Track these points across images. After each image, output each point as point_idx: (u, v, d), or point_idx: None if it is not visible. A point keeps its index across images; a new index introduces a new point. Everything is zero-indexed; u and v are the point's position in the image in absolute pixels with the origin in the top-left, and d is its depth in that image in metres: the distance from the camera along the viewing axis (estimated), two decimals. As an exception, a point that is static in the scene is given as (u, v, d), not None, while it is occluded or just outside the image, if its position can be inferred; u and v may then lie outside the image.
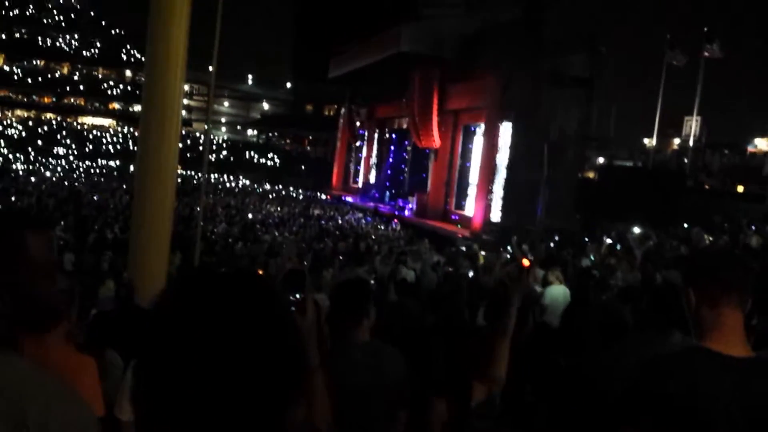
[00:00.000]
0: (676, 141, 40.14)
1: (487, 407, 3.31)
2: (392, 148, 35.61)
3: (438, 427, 3.17)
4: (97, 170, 41.70)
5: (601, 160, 38.08)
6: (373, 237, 20.92)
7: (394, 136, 35.59)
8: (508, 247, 13.41)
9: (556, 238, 17.61)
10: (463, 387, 3.27)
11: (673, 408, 1.83)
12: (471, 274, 11.92)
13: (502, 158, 22.53)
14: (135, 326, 5.80)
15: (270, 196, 35.36)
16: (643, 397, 1.89)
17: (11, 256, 1.29)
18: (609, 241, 15.26)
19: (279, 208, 28.93)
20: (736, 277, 1.96)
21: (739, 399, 1.81)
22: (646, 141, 41.29)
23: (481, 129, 25.08)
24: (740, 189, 31.22)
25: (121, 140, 53.93)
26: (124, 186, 28.63)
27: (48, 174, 35.31)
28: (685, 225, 18.46)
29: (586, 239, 17.11)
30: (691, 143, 34.47)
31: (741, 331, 1.93)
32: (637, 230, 16.00)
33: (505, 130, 22.43)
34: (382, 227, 25.30)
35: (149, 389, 0.85)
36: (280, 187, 41.97)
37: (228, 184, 40.15)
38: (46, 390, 1.24)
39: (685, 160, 34.03)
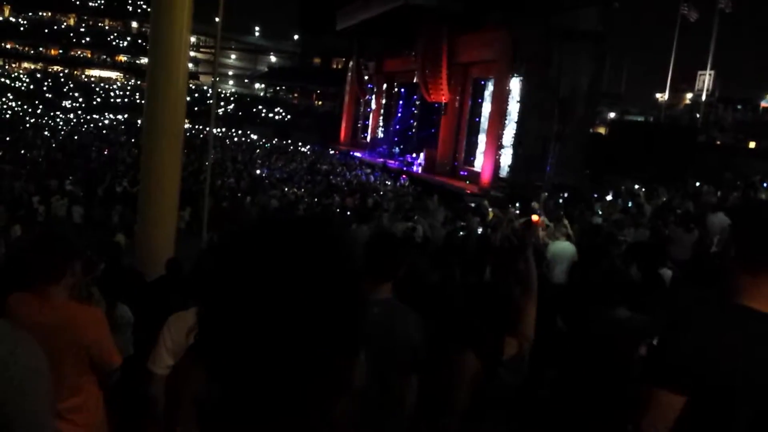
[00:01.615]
0: (689, 96, 39.58)
1: (518, 363, 3.34)
2: (401, 102, 35.31)
3: (467, 378, 3.19)
4: (106, 122, 41.66)
5: (612, 115, 37.69)
6: (381, 193, 20.92)
7: (402, 90, 35.25)
8: (534, 204, 13.29)
9: (565, 194, 17.53)
10: (494, 341, 3.30)
11: (711, 365, 1.76)
12: (480, 230, 11.93)
13: (512, 113, 22.32)
14: (132, 284, 5.89)
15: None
16: (680, 353, 1.81)
17: None
18: (609, 198, 15.21)
19: (287, 163, 28.91)
20: None
21: None
22: (658, 96, 40.76)
23: (491, 83, 24.79)
24: (752, 145, 30.90)
25: (128, 93, 53.70)
26: (133, 140, 28.63)
27: (57, 127, 35.28)
28: (697, 183, 18.34)
29: (595, 195, 17.05)
30: (703, 98, 34.04)
31: None
32: (636, 187, 15.94)
33: (516, 84, 22.17)
34: (390, 183, 25.26)
35: (216, 334, 0.83)
36: (288, 141, 41.84)
37: (235, 138, 40.05)
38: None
39: (697, 116, 33.63)
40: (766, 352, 1.75)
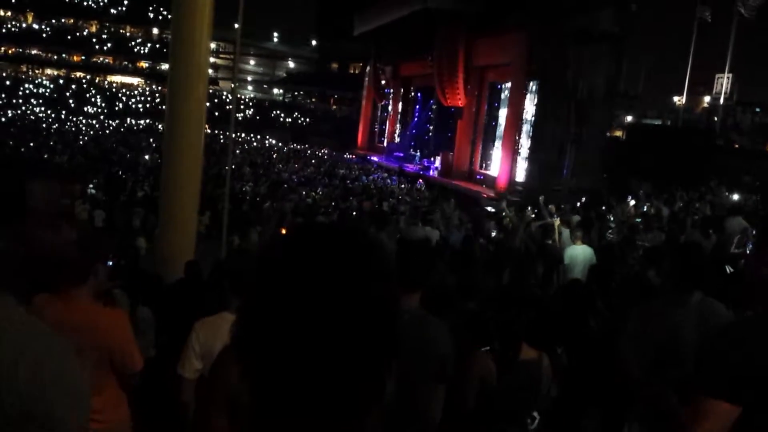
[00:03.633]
0: (707, 99, 39.17)
1: (534, 369, 3.42)
2: (417, 106, 35.35)
3: (475, 377, 3.26)
4: (126, 126, 42.14)
5: (629, 118, 37.43)
6: (399, 197, 20.97)
7: (419, 94, 35.30)
8: (551, 208, 13.31)
9: (583, 198, 17.48)
10: (509, 343, 3.36)
11: (760, 375, 1.78)
12: (494, 234, 11.95)
13: (529, 117, 22.29)
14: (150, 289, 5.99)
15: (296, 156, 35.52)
16: (737, 364, 1.83)
17: (12, 206, 1.31)
18: (632, 202, 15.15)
19: (305, 168, 29.07)
20: None
21: None
22: (675, 99, 40.42)
23: (507, 87, 24.78)
24: (771, 148, 30.59)
25: (149, 99, 54.29)
26: (154, 144, 28.93)
27: (79, 132, 35.71)
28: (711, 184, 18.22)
29: (612, 199, 16.99)
30: (721, 101, 33.68)
31: None
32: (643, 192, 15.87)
33: (532, 88, 22.15)
34: (407, 187, 25.31)
35: (259, 334, 0.85)
36: (306, 146, 42.04)
37: (254, 143, 40.33)
38: (19, 335, 1.26)
39: (715, 119, 33.31)
40: None
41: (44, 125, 37.79)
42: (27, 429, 1.22)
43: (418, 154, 33.00)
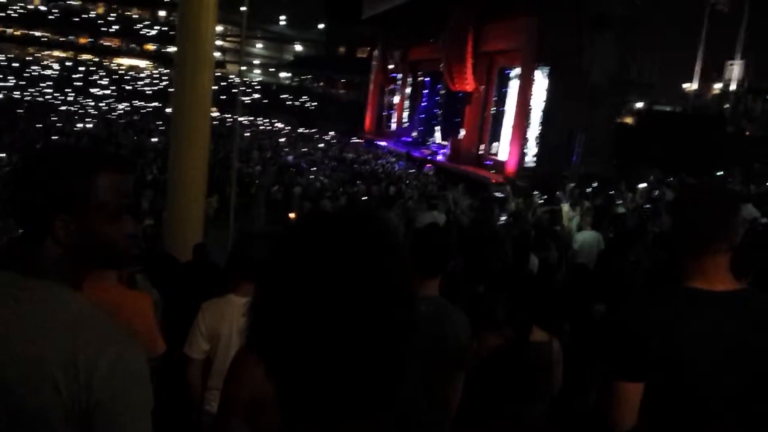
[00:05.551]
0: (718, 86, 38.80)
1: (545, 351, 3.40)
2: (426, 91, 35.18)
3: (483, 355, 3.25)
4: (134, 109, 42.12)
5: (639, 105, 37.14)
6: (407, 182, 20.92)
7: (427, 79, 35.12)
8: (558, 194, 13.19)
9: (595, 184, 17.34)
10: (521, 327, 3.35)
11: (655, 348, 1.80)
12: (503, 218, 11.92)
13: (538, 102, 22.13)
14: (167, 269, 5.98)
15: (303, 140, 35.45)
16: (628, 342, 1.86)
17: (79, 197, 1.30)
18: (642, 185, 15.07)
19: (313, 152, 29.04)
20: (716, 228, 1.86)
21: (721, 332, 1.79)
22: (686, 85, 40.04)
23: (517, 72, 24.59)
24: (782, 135, 30.25)
25: (156, 82, 54.23)
26: (162, 127, 28.90)
27: (87, 115, 35.70)
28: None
29: (622, 185, 16.89)
30: (732, 88, 33.36)
31: (725, 270, 1.87)
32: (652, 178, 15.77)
33: (542, 73, 21.98)
34: (415, 171, 25.27)
35: (270, 322, 0.84)
36: (314, 129, 41.97)
37: (261, 127, 40.27)
38: (99, 330, 1.26)
39: (726, 106, 33.00)
40: (706, 330, 1.80)
41: (52, 107, 37.77)
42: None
43: (432, 138, 32.84)
